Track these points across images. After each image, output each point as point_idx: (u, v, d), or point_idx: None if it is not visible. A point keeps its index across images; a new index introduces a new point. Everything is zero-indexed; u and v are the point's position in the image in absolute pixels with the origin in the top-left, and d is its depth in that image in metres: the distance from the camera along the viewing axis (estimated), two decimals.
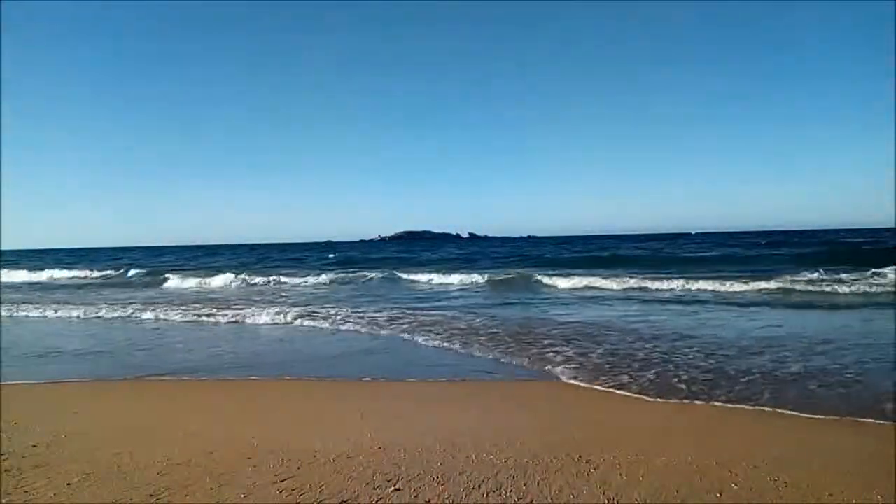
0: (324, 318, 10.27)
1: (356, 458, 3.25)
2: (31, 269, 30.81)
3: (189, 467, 3.18)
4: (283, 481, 2.94)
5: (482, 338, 7.93)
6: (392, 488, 2.82)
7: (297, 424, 4.12)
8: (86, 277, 27.32)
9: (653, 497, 2.68)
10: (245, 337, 9.10)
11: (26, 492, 2.88)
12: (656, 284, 14.92)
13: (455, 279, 18.68)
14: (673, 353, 6.47)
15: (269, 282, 20.40)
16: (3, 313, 12.65)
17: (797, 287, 13.18)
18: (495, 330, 8.53)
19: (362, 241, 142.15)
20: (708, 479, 2.88)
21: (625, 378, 5.39)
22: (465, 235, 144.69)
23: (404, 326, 9.15)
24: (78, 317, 11.98)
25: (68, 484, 2.97)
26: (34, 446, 3.60)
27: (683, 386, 5.06)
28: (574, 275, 17.30)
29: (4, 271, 28.29)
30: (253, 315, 10.81)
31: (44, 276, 28.02)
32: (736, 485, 2.81)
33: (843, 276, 14.25)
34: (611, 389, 5.10)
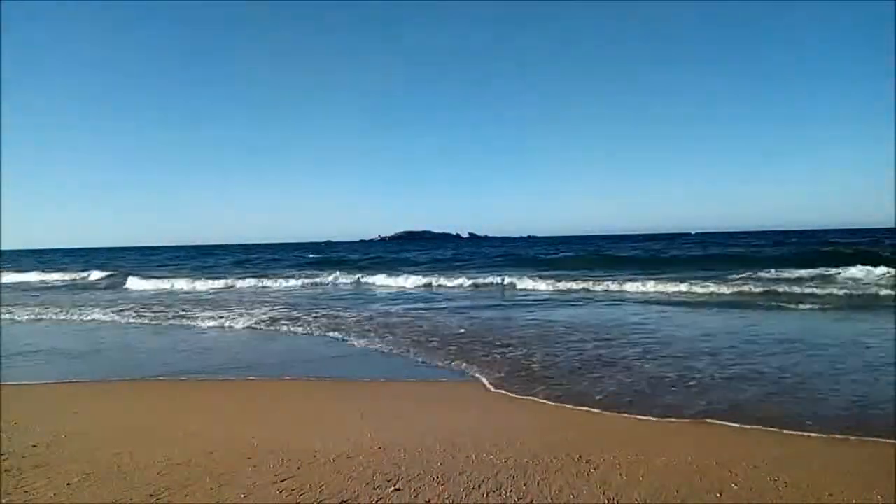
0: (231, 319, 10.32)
1: (356, 458, 3.25)
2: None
3: (189, 467, 3.18)
4: (283, 481, 2.94)
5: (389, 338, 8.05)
6: (392, 488, 2.82)
7: (297, 424, 4.12)
8: (54, 281, 26.17)
9: (653, 497, 2.68)
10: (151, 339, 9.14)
11: (26, 492, 2.88)
12: (578, 285, 15.12)
13: (417, 282, 18.23)
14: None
15: (229, 286, 19.80)
16: None
17: (744, 289, 12.91)
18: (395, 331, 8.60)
19: (362, 242, 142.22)
20: (708, 479, 2.88)
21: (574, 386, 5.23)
22: (465, 235, 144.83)
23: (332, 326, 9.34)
24: None
25: (68, 484, 2.97)
26: (34, 446, 3.60)
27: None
28: (548, 277, 16.95)
29: None
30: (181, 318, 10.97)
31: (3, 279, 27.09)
32: (736, 485, 2.81)
33: (801, 276, 14.28)
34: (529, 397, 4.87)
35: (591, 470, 3.02)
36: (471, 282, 17.31)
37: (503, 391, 5.04)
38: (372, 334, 8.39)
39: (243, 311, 11.62)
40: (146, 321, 10.86)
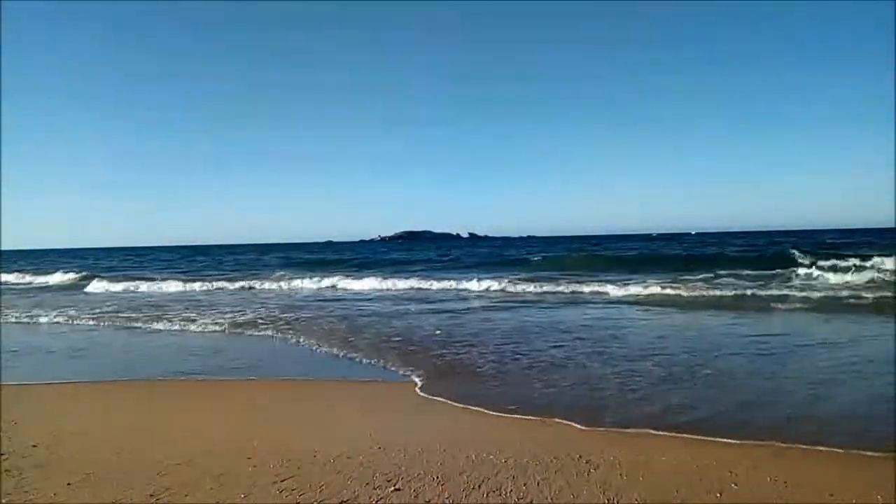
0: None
1: (356, 458, 3.25)
2: None
3: (189, 467, 3.18)
4: (283, 481, 2.94)
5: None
6: (392, 488, 2.82)
7: (297, 424, 4.12)
8: (14, 283, 25.24)
9: (653, 497, 2.68)
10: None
11: (26, 492, 2.88)
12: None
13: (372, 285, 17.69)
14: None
15: (196, 289, 18.83)
16: None
17: (680, 291, 12.57)
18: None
19: (362, 242, 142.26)
20: (708, 479, 2.88)
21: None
22: (465, 235, 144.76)
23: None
24: None
25: (68, 484, 2.97)
26: (34, 446, 3.60)
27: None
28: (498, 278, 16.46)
29: None
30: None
31: None
32: (736, 485, 2.81)
33: (747, 278, 14.20)
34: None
35: (591, 470, 3.02)
36: (428, 285, 16.75)
37: (428, 394, 4.97)
38: (300, 333, 8.50)
39: (198, 313, 11.23)
40: (81, 323, 10.71)
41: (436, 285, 16.60)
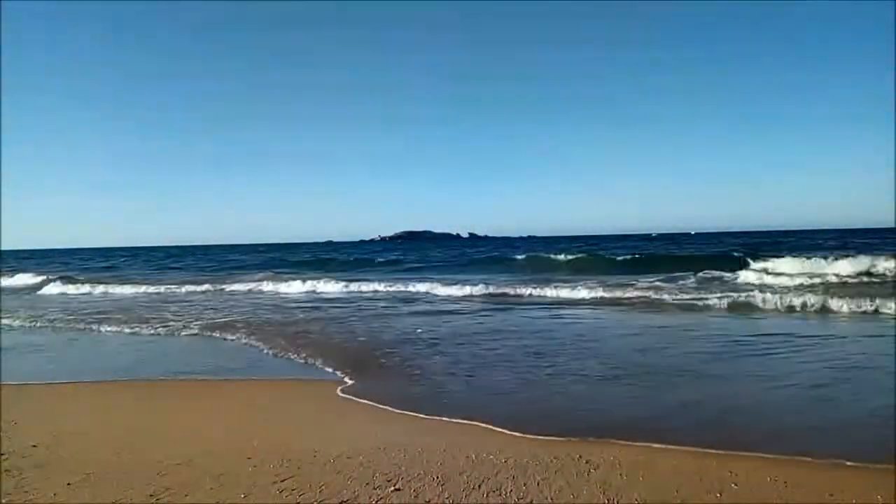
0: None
1: (356, 458, 3.25)
2: None
3: (189, 467, 3.18)
4: (283, 481, 2.94)
5: None
6: (392, 488, 2.82)
7: (297, 424, 4.12)
8: None
9: (653, 497, 2.68)
10: None
11: (26, 492, 2.88)
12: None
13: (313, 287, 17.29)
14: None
15: (163, 291, 18.28)
16: None
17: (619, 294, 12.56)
18: None
19: (362, 242, 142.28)
20: (708, 479, 2.88)
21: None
22: (465, 235, 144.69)
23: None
24: None
25: (68, 484, 2.97)
26: (34, 446, 3.60)
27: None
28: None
29: None
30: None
31: None
32: (736, 485, 2.81)
33: (683, 282, 14.36)
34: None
35: (591, 470, 3.02)
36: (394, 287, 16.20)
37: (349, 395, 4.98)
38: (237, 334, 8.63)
39: (135, 316, 11.17)
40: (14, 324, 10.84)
41: (384, 288, 16.10)
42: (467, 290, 14.46)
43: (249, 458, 3.30)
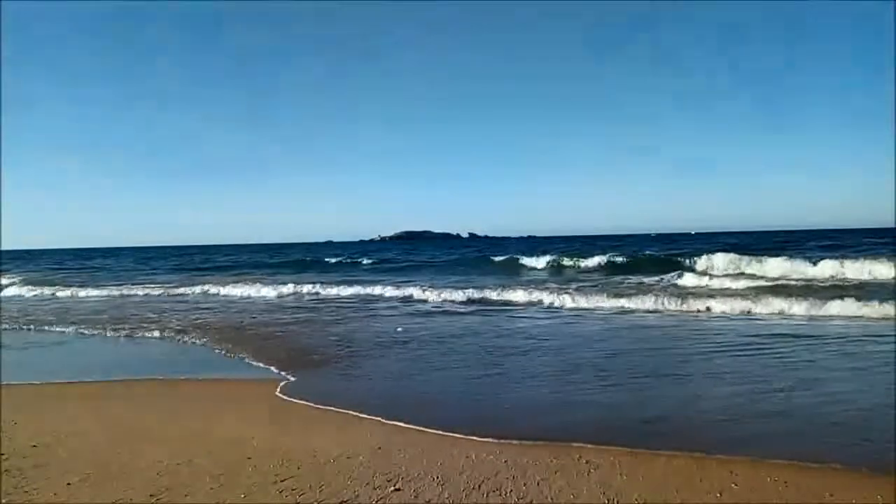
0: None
1: (356, 458, 3.26)
2: None
3: (189, 467, 3.18)
4: (283, 481, 2.94)
5: None
6: (392, 488, 2.82)
7: (297, 425, 4.12)
8: None
9: (653, 497, 2.68)
10: None
11: (26, 492, 2.88)
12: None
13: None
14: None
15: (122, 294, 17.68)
16: None
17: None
18: None
19: (362, 241, 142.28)
20: (708, 480, 2.88)
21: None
22: (465, 235, 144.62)
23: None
24: None
25: (68, 484, 2.97)
26: (34, 446, 3.60)
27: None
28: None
29: None
30: None
31: None
32: (736, 485, 2.81)
33: (647, 280, 14.93)
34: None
35: (591, 470, 3.02)
36: (366, 290, 15.68)
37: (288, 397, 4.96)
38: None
39: (73, 318, 11.10)
40: None
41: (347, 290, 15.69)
42: (428, 293, 13.92)
43: (249, 458, 3.30)
